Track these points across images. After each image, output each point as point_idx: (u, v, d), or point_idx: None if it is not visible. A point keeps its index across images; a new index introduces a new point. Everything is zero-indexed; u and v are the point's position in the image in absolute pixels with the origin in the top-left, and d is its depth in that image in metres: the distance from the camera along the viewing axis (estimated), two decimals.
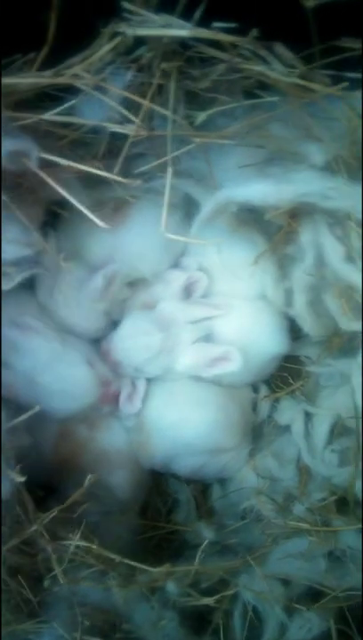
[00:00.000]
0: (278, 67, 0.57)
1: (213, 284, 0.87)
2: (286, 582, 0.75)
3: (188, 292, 0.86)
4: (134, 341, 0.83)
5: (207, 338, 0.85)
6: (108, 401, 0.85)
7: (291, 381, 0.92)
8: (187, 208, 0.81)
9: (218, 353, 0.82)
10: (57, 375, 0.79)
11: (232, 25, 0.54)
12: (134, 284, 0.88)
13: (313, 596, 0.74)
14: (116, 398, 0.85)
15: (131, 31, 0.54)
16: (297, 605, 0.71)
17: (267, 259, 0.81)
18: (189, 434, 0.84)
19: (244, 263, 0.82)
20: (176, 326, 0.83)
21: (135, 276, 0.86)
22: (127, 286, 0.87)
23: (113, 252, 0.82)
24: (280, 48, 0.54)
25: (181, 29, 0.53)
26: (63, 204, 0.71)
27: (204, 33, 0.53)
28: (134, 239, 0.81)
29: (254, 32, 0.54)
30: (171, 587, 0.73)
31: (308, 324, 0.84)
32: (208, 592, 0.75)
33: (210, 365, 0.83)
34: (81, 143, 0.71)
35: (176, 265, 0.89)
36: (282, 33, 0.57)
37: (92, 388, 0.82)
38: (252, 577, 0.75)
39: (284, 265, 0.82)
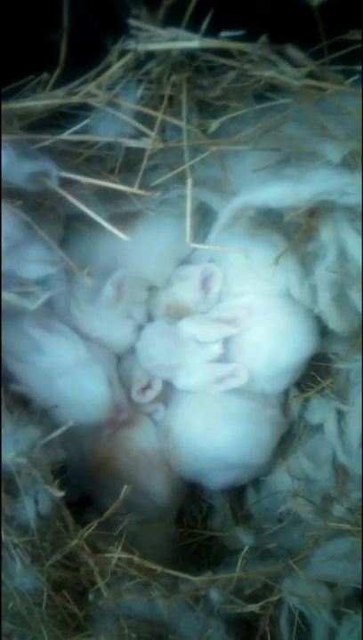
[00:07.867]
0: (287, 69, 0.57)
1: (233, 286, 0.87)
2: (331, 585, 0.73)
3: (205, 288, 0.87)
4: (158, 345, 0.84)
5: (222, 357, 0.85)
6: (114, 428, 0.84)
7: (320, 380, 0.90)
8: (201, 216, 0.81)
9: (226, 371, 0.83)
10: (75, 383, 0.79)
11: (240, 33, 0.54)
12: (154, 287, 0.88)
13: (361, 597, 0.72)
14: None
15: (141, 47, 0.54)
16: (345, 609, 0.69)
17: (289, 258, 0.80)
18: (217, 447, 0.84)
19: (264, 264, 0.82)
20: (192, 345, 0.83)
21: (146, 280, 0.86)
22: (146, 289, 0.87)
23: (119, 260, 0.83)
24: (291, 49, 0.54)
25: (189, 41, 0.53)
26: (80, 217, 0.72)
27: (212, 43, 0.53)
28: (138, 247, 0.82)
29: (264, 38, 0.54)
30: (214, 595, 0.73)
31: (333, 320, 0.82)
32: (252, 598, 0.74)
33: (218, 383, 0.84)
34: (97, 159, 0.72)
35: (188, 262, 0.89)
36: (289, 34, 0.57)
37: (105, 408, 0.81)
38: (296, 581, 0.74)
39: (306, 263, 0.81)
